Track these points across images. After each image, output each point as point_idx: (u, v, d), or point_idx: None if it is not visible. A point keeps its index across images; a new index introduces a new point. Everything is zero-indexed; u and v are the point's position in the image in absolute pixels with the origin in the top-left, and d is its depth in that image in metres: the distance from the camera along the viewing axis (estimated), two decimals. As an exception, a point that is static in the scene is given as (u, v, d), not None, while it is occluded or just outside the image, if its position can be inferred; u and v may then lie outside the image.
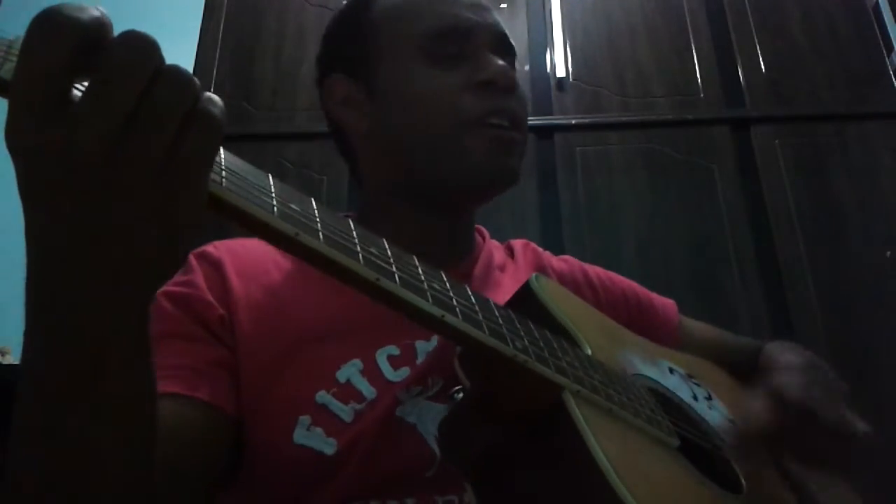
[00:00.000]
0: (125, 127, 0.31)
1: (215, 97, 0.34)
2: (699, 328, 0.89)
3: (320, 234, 0.37)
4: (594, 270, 0.86)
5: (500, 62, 0.70)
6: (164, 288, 0.65)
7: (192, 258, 0.68)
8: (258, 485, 0.60)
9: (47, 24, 0.31)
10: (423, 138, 0.71)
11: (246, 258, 0.69)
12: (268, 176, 0.38)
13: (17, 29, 0.33)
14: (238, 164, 0.37)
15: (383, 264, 0.40)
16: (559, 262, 0.85)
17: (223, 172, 0.35)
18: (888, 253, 1.88)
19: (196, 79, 0.34)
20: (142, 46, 0.32)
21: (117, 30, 0.34)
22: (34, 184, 0.33)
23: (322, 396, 0.60)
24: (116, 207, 0.33)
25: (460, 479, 0.57)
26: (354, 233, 0.40)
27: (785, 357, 0.77)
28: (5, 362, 1.98)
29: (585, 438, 0.42)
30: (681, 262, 1.91)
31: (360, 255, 0.39)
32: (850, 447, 0.64)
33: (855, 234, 1.91)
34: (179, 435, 0.55)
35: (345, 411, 0.60)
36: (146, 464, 0.43)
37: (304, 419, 0.59)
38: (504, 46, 0.74)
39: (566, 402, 0.44)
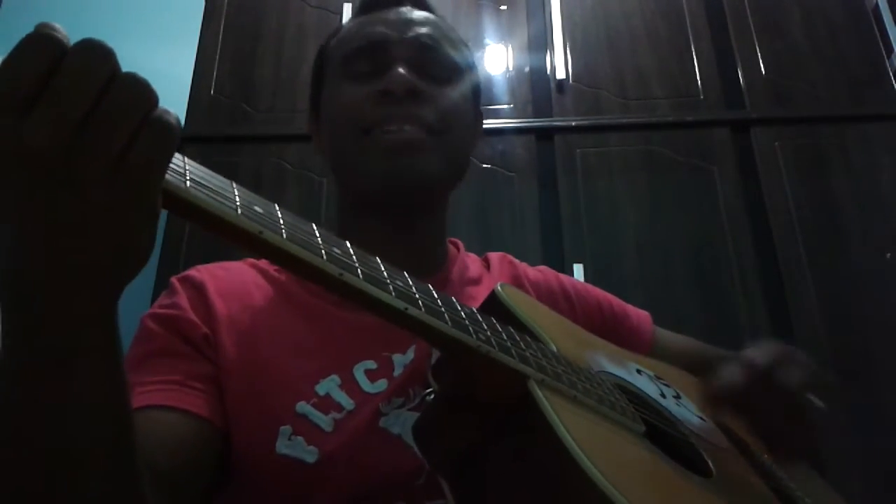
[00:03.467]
0: (80, 127, 0.33)
1: (170, 109, 0.35)
2: (675, 339, 0.90)
3: (283, 232, 0.39)
4: (569, 281, 0.87)
5: (399, 71, 0.72)
6: (150, 311, 0.68)
7: (175, 282, 0.71)
8: (247, 497, 0.61)
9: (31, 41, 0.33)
10: (337, 150, 0.76)
11: (227, 280, 0.71)
12: (231, 183, 0.40)
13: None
14: (203, 171, 0.39)
15: (346, 261, 0.41)
16: (535, 273, 0.87)
17: (187, 176, 0.36)
18: (888, 254, 1.88)
19: (153, 88, 0.35)
20: (97, 51, 0.34)
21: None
22: None
23: (302, 407, 0.61)
24: (68, 206, 0.34)
25: None
26: (318, 233, 0.41)
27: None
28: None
29: (553, 424, 0.42)
30: (681, 263, 1.91)
31: (323, 252, 0.40)
32: (806, 421, 0.64)
33: (855, 234, 1.91)
34: (171, 445, 0.56)
35: (324, 421, 0.61)
36: (128, 471, 0.43)
37: (286, 429, 0.60)
38: (428, 59, 0.76)
39: (531, 390, 0.45)
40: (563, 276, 0.88)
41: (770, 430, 0.64)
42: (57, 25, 0.34)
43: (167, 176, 0.35)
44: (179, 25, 2.64)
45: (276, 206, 0.41)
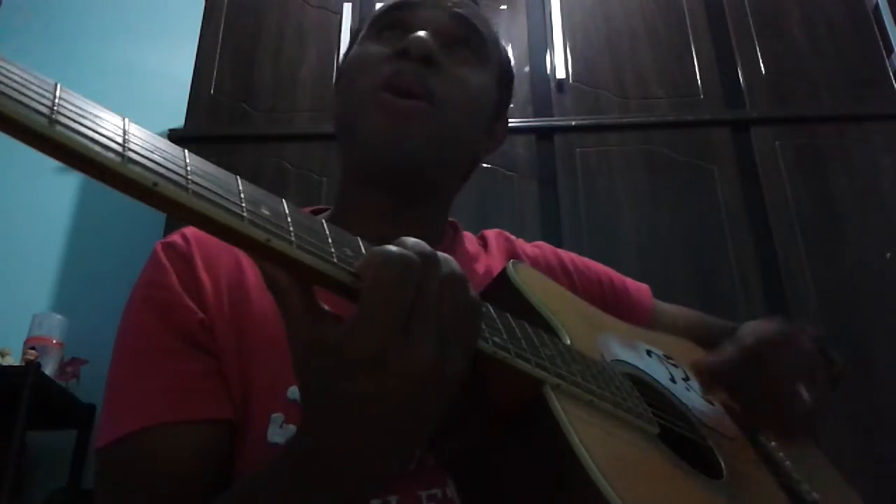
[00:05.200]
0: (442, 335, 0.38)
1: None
2: (675, 311, 0.88)
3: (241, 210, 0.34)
4: (568, 256, 0.86)
5: (421, 34, 0.68)
6: (140, 291, 0.63)
7: (160, 251, 0.65)
8: None
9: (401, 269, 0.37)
10: (345, 107, 0.73)
11: (216, 248, 0.66)
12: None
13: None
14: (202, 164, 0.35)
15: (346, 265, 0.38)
16: (532, 249, 0.85)
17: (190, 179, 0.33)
18: (888, 254, 1.88)
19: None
20: (441, 265, 0.39)
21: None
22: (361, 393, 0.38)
23: (293, 392, 0.59)
24: (441, 401, 0.40)
25: (442, 473, 0.57)
26: (288, 216, 0.37)
27: (758, 323, 0.76)
28: (5, 363, 1.98)
29: (566, 432, 0.42)
30: (681, 263, 1.91)
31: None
32: (796, 410, 0.62)
33: (855, 234, 1.91)
34: (193, 460, 0.56)
35: None
36: None
37: (277, 417, 0.58)
38: (456, 33, 0.72)
39: (546, 396, 0.44)
40: (561, 252, 0.86)
41: (759, 414, 0.63)
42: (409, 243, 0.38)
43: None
44: (179, 25, 2.64)
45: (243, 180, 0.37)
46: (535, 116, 2.12)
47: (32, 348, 1.98)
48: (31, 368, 1.84)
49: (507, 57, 0.82)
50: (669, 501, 0.48)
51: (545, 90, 2.16)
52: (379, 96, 0.67)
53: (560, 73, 2.15)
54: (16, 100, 0.27)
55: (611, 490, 0.39)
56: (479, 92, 0.73)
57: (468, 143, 0.75)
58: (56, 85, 0.30)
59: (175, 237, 0.66)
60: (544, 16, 2.27)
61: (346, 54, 0.79)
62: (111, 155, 0.30)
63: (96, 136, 0.30)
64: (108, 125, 0.31)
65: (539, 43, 2.24)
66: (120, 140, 0.31)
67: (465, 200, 2.04)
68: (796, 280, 1.86)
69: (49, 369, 1.99)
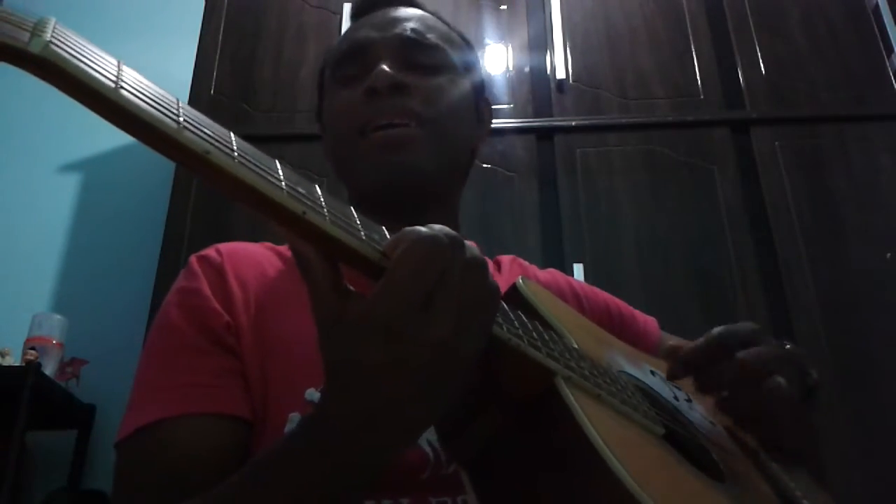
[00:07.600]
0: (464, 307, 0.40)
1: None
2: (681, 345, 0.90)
3: (284, 187, 0.36)
4: (578, 283, 0.88)
5: (381, 68, 0.72)
6: (172, 297, 0.68)
7: (194, 262, 0.69)
8: None
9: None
10: (337, 155, 0.78)
11: (246, 263, 0.70)
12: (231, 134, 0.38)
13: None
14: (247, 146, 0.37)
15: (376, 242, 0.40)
16: (545, 275, 0.88)
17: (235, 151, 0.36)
18: (888, 255, 1.88)
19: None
20: (462, 248, 0.41)
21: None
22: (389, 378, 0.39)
23: (311, 394, 0.61)
24: (456, 373, 0.41)
25: (453, 482, 0.58)
26: (320, 195, 0.39)
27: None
28: (5, 363, 1.98)
29: (578, 418, 0.43)
30: (681, 263, 1.91)
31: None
32: (777, 405, 0.61)
33: (855, 234, 1.91)
34: (213, 452, 0.58)
35: None
36: None
37: (295, 416, 0.60)
38: (412, 52, 0.76)
39: (558, 386, 0.45)
40: (571, 279, 0.89)
41: (741, 408, 0.62)
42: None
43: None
44: (179, 25, 2.64)
45: (278, 160, 0.39)
46: (535, 117, 2.13)
47: (32, 348, 1.98)
48: (31, 368, 1.84)
49: (468, 42, 0.86)
50: (678, 488, 0.48)
51: (545, 90, 2.16)
52: (369, 137, 0.72)
53: (560, 73, 2.15)
54: (91, 68, 0.31)
55: (625, 473, 0.40)
56: (455, 91, 0.78)
57: (463, 143, 0.80)
58: (119, 61, 0.34)
59: (210, 251, 0.71)
60: (544, 16, 2.27)
61: (320, 104, 0.84)
62: (169, 122, 0.32)
63: (156, 105, 0.33)
64: (164, 99, 0.34)
65: (539, 43, 2.24)
66: (176, 111, 0.34)
67: (466, 200, 2.03)
68: (796, 280, 1.86)
69: (49, 369, 1.99)
